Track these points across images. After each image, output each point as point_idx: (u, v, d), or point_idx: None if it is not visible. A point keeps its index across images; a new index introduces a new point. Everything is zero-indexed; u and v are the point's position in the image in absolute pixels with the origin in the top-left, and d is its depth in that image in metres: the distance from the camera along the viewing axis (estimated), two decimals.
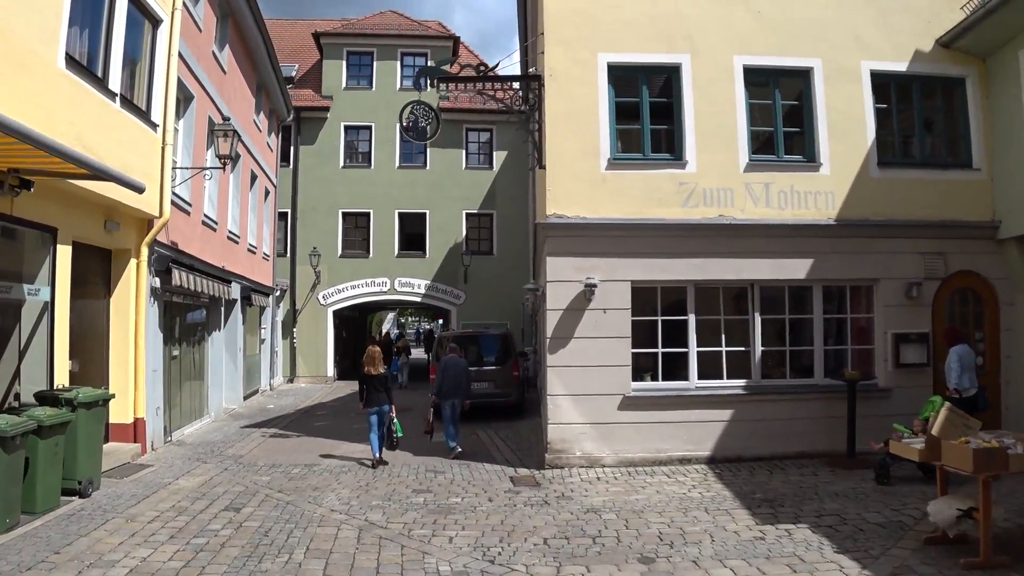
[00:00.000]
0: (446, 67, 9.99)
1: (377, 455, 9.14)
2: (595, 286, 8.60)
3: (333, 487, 8.01)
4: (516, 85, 9.96)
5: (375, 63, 22.36)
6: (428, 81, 10.50)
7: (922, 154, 9.86)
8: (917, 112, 9.83)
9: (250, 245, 16.51)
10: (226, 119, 11.23)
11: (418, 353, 30.81)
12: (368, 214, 22.05)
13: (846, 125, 9.33)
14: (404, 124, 10.06)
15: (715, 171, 9.09)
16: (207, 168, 11.66)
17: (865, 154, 9.33)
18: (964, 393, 8.08)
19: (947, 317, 9.48)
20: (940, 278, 9.36)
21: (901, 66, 9.52)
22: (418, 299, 22.63)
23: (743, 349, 9.25)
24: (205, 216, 12.45)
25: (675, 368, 9.21)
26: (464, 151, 22.53)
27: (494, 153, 22.63)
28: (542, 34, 9.40)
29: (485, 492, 7.74)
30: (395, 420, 9.51)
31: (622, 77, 9.31)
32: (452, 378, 10.11)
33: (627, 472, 8.50)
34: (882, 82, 9.56)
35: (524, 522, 6.59)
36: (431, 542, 6.06)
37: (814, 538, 5.98)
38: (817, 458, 8.83)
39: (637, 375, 8.99)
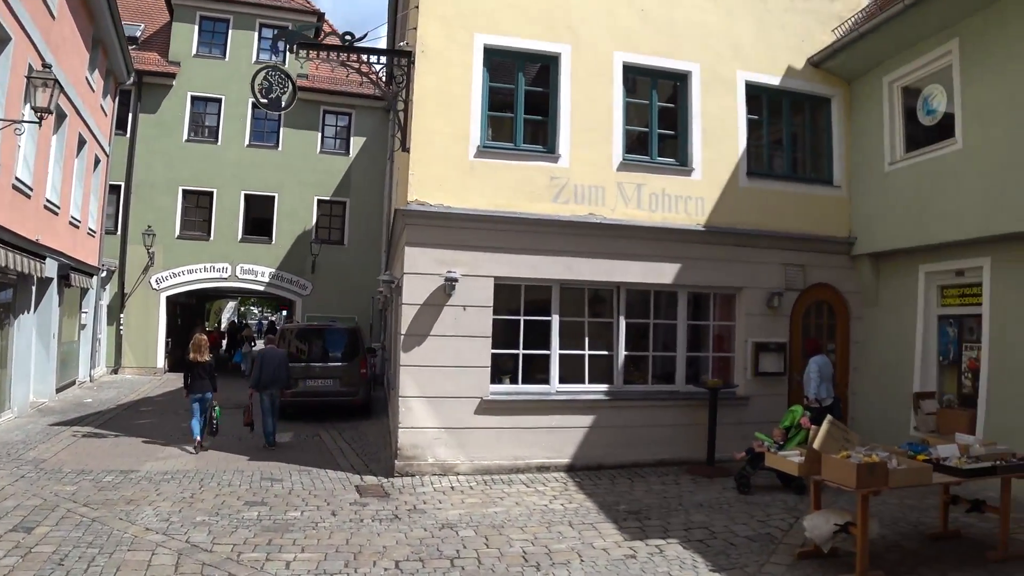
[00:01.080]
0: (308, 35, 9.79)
1: (198, 439, 9.81)
2: (456, 280, 8.65)
3: (151, 499, 7.37)
4: (384, 60, 9.91)
5: (230, 31, 21.66)
6: (288, 46, 10.24)
7: (788, 168, 10.77)
8: (786, 126, 10.73)
9: (73, 218, 15.33)
10: (47, 66, 10.42)
11: (262, 345, 30.05)
12: (211, 193, 21.34)
13: (719, 132, 10.01)
14: (256, 90, 9.74)
15: (588, 167, 9.43)
16: (20, 122, 10.72)
17: (736, 163, 10.06)
18: (822, 403, 8.86)
19: (803, 328, 10.39)
20: (799, 289, 10.25)
21: (774, 80, 10.36)
22: (261, 288, 22.21)
23: (606, 353, 9.64)
24: (17, 180, 11.42)
25: (536, 371, 9.44)
26: (320, 134, 22.37)
27: (351, 139, 22.61)
28: (416, 7, 9.40)
29: (328, 504, 7.42)
30: (216, 407, 10.24)
31: (499, 62, 9.45)
32: (270, 369, 10.48)
33: (484, 481, 8.53)
34: (755, 93, 10.36)
35: (372, 541, 6.30)
36: (264, 569, 5.62)
37: (687, 555, 6.08)
38: (677, 465, 9.35)
39: (496, 377, 9.12)
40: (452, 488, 8.21)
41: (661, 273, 9.66)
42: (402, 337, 8.84)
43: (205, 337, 10.26)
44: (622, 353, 9.63)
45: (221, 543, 6.15)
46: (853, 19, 10.37)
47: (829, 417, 6.24)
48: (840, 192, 10.57)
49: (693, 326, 10.15)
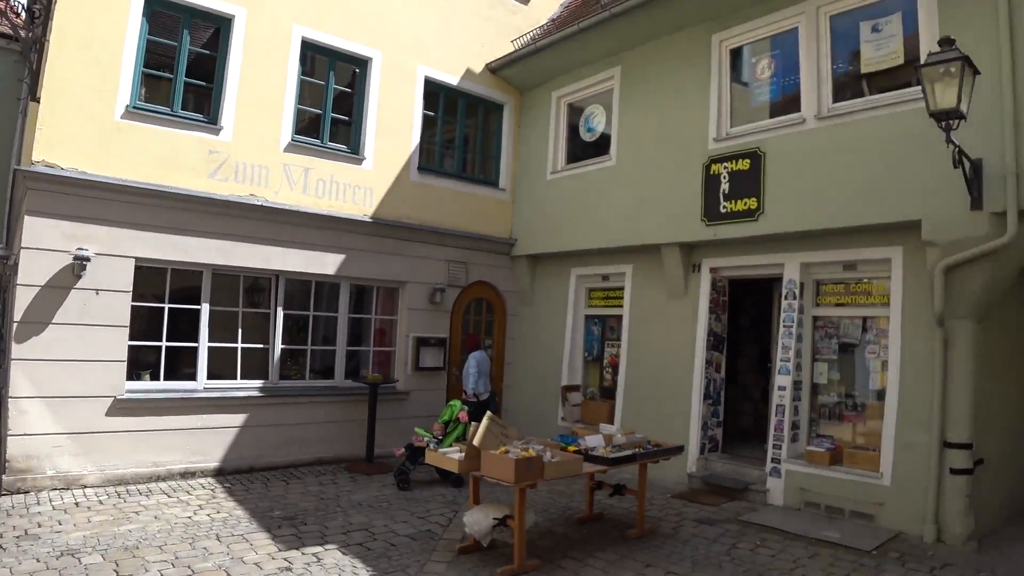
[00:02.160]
0: None
1: None
2: (88, 260, 8.05)
3: None
4: None
5: None
6: None
7: (459, 167, 11.92)
8: (460, 126, 11.85)
9: None
10: None
11: None
12: None
13: (395, 124, 10.73)
14: None
15: (253, 145, 9.45)
16: None
17: (408, 157, 10.88)
18: (480, 397, 9.92)
19: (463, 324, 11.62)
20: (461, 286, 11.46)
21: (453, 80, 11.40)
22: None
23: (262, 347, 9.77)
24: None
25: (183, 366, 9.24)
26: None
27: None
28: None
29: None
30: None
31: (163, 13, 8.96)
32: None
33: (117, 493, 7.96)
34: (434, 90, 11.29)
35: None
36: None
37: (346, 561, 6.13)
38: (336, 464, 9.83)
39: (134, 373, 8.75)
40: (77, 505, 7.45)
41: (324, 263, 10.04)
42: (15, 325, 7.95)
43: None
44: (279, 346, 9.81)
45: None
46: (532, 34, 11.84)
47: (489, 414, 6.64)
48: (505, 195, 12.02)
49: (355, 319, 10.75)
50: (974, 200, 6.84)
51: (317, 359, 10.46)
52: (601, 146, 11.03)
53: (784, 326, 8.74)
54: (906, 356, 7.70)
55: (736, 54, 9.51)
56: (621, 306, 10.71)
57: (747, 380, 11.81)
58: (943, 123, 6.22)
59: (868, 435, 8.20)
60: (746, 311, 11.53)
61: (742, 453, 9.77)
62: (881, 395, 8.02)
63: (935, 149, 6.74)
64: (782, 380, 8.66)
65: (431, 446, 7.30)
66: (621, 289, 10.78)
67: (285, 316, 9.93)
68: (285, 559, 6.13)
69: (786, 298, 8.76)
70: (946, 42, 6.21)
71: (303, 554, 6.28)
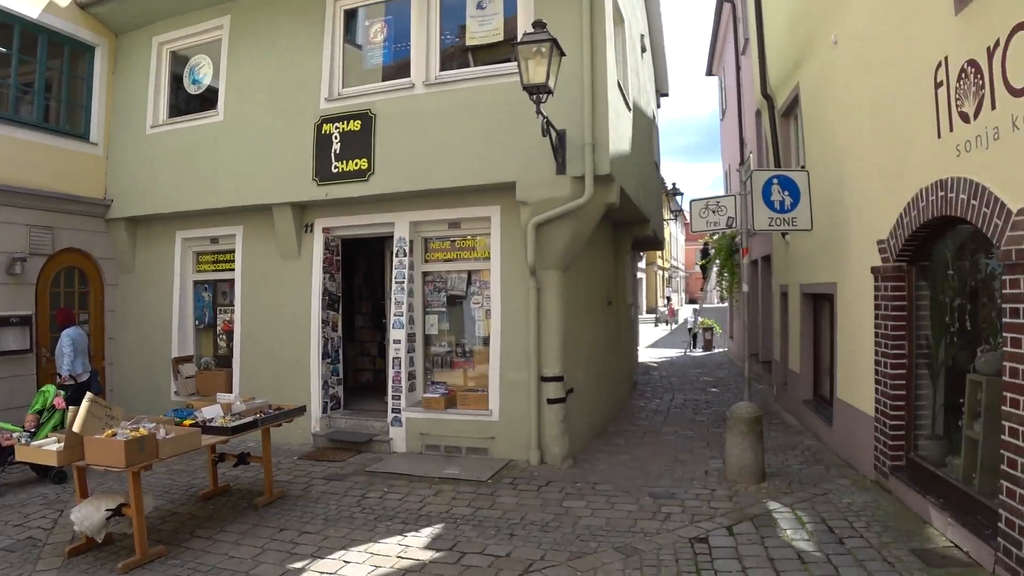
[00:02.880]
0: None
1: None
2: None
3: None
4: None
5: None
6: None
7: (40, 116, 10.76)
8: (40, 68, 10.69)
9: None
10: None
11: None
12: None
13: None
14: None
15: None
16: None
17: None
18: (78, 379, 9.24)
19: (52, 298, 10.67)
20: (47, 254, 10.47)
21: (32, 12, 10.19)
22: None
23: None
24: None
25: None
26: None
27: None
28: None
29: None
30: None
31: None
32: None
33: None
34: (7, 22, 10.00)
35: None
36: None
37: None
38: None
39: None
40: None
41: None
42: None
43: None
44: None
45: None
46: None
47: (89, 394, 6.28)
48: (97, 150, 11.20)
49: None
50: (559, 165, 8.30)
51: None
52: (209, 100, 10.82)
53: (396, 282, 9.58)
54: (506, 304, 9.03)
55: (351, 15, 10.01)
56: (233, 269, 10.73)
57: (364, 336, 12.65)
58: (534, 96, 7.44)
59: (478, 378, 9.53)
60: (360, 269, 12.31)
61: (365, 407, 10.52)
62: (486, 341, 9.33)
63: (528, 119, 7.95)
64: (397, 334, 9.51)
65: (23, 440, 6.78)
66: (232, 252, 10.79)
67: None
68: None
69: (397, 255, 9.59)
70: (539, 25, 7.43)
71: None
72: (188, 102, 11.10)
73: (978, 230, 5.32)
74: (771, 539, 5.99)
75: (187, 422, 6.77)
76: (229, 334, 10.86)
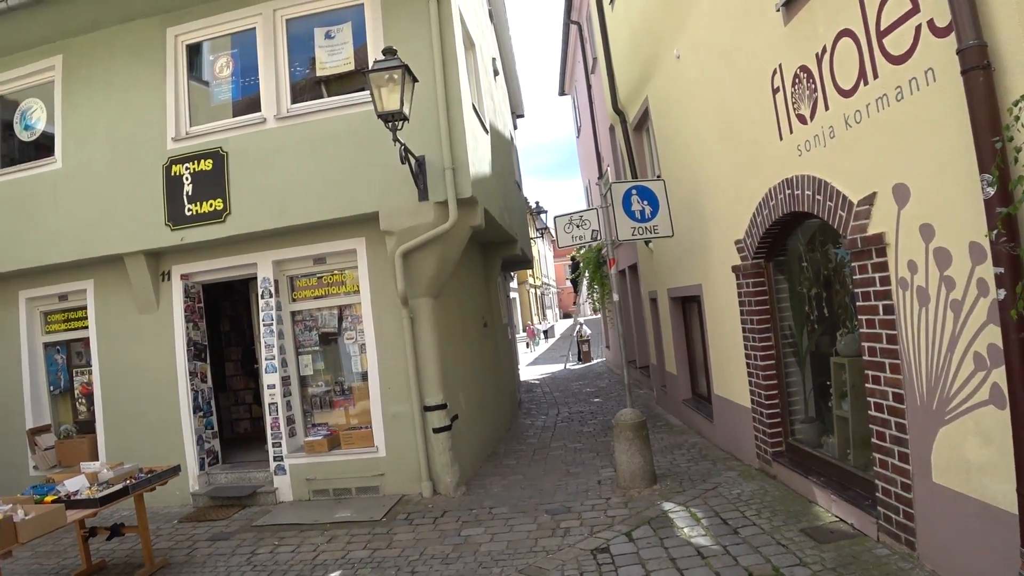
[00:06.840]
0: None
1: None
2: None
3: None
4: None
5: None
6: None
7: None
8: None
9: None
10: None
11: None
12: None
13: None
14: None
15: None
16: None
17: None
18: None
19: None
20: None
21: None
22: None
23: None
24: None
25: None
26: None
27: None
28: None
29: None
30: None
31: None
32: None
33: None
34: None
35: None
36: None
37: None
38: None
39: None
40: None
41: None
42: None
43: None
44: None
45: None
46: None
47: None
48: None
49: None
50: (421, 192, 8.14)
51: None
52: (45, 147, 10.00)
53: (264, 325, 9.14)
54: (380, 337, 8.79)
55: (195, 50, 9.50)
56: (87, 327, 9.91)
57: (237, 384, 12.03)
58: (390, 123, 7.27)
59: (360, 415, 9.21)
60: (226, 315, 11.72)
61: (245, 459, 9.97)
62: (365, 376, 9.01)
63: (386, 148, 7.77)
64: (270, 378, 9.07)
65: None
66: (84, 308, 9.97)
67: None
68: None
69: (263, 297, 9.16)
70: (389, 51, 7.25)
71: None
72: (22, 150, 10.22)
73: (825, 223, 5.62)
74: (670, 539, 6.08)
75: (49, 498, 6.20)
76: (89, 397, 10.03)
